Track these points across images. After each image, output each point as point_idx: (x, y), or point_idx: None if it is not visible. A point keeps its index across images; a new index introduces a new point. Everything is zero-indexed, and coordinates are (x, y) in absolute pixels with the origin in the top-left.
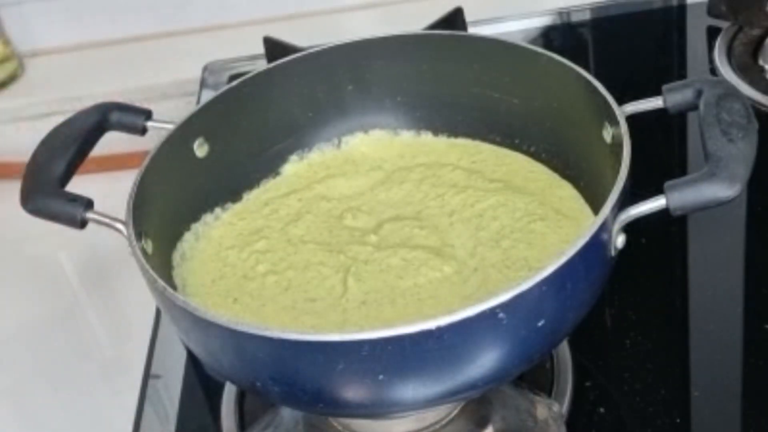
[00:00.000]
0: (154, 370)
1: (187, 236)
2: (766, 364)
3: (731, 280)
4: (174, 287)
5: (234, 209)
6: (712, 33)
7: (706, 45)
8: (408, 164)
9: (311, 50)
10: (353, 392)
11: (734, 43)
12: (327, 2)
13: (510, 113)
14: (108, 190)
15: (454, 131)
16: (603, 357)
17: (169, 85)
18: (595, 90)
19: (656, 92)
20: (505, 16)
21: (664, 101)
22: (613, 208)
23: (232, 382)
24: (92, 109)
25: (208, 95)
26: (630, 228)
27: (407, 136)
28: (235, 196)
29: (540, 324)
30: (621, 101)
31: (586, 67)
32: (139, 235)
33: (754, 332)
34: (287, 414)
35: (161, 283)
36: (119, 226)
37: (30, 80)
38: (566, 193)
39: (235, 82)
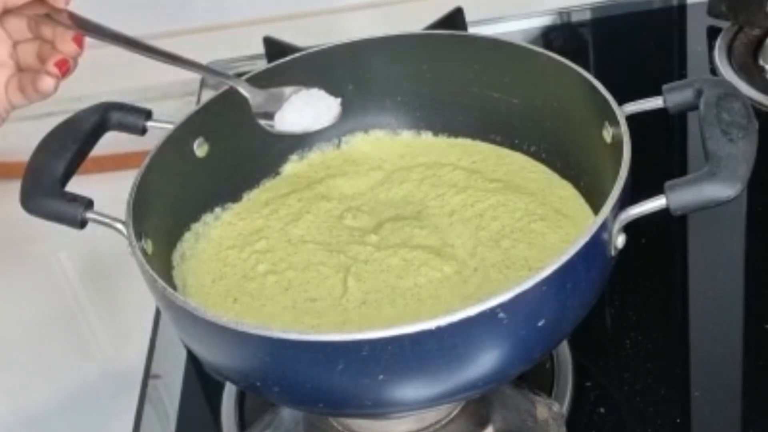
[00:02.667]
0: (154, 370)
1: (187, 236)
2: (766, 364)
3: (731, 280)
4: (174, 287)
5: (234, 209)
6: (712, 33)
7: (706, 45)
8: (408, 164)
9: (311, 50)
10: (353, 392)
11: (734, 43)
12: (327, 2)
13: (510, 113)
14: (108, 190)
15: (454, 131)
16: (603, 357)
17: (169, 85)
18: (595, 90)
19: (656, 92)
20: (505, 16)
21: (665, 101)
22: (613, 208)
23: (232, 382)
24: (92, 109)
25: (208, 95)
26: (630, 228)
27: (407, 136)
28: (235, 196)
29: (540, 324)
30: (621, 101)
31: (586, 67)
32: (139, 235)
33: (754, 332)
34: (287, 414)
35: (161, 283)
36: (119, 226)
37: None
38: (566, 193)
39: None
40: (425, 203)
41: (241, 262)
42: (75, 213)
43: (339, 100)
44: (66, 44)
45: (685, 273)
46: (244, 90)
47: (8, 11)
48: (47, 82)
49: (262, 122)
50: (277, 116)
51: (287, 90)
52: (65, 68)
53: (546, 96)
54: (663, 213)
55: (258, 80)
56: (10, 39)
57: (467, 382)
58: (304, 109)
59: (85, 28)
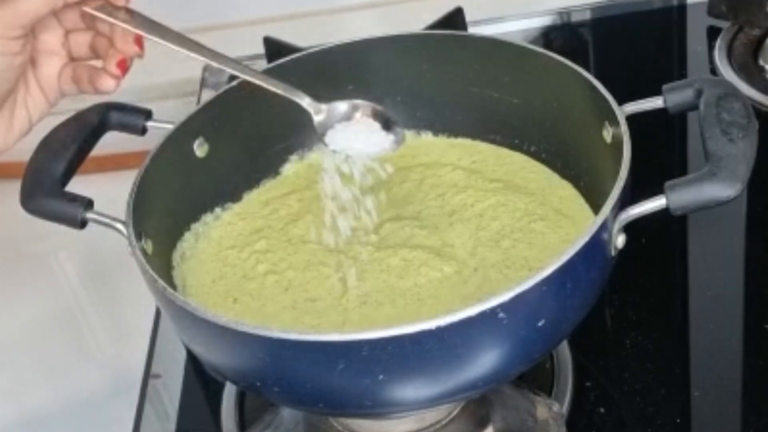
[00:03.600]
0: (154, 370)
1: (187, 236)
2: (766, 364)
3: (731, 280)
4: (174, 287)
5: (234, 209)
6: (712, 33)
7: (706, 45)
8: (408, 164)
9: (311, 50)
10: (353, 392)
11: (734, 43)
12: (327, 2)
13: (510, 113)
14: (108, 190)
15: (454, 131)
16: (603, 357)
17: (169, 85)
18: (595, 90)
19: (656, 92)
20: (505, 16)
21: (665, 101)
22: (613, 208)
23: (232, 382)
24: (92, 109)
25: (208, 95)
26: (630, 228)
27: (407, 136)
28: (235, 196)
29: (540, 324)
30: (621, 101)
31: (586, 67)
32: (139, 235)
33: (754, 332)
34: (287, 414)
35: (161, 283)
36: (119, 226)
37: None
38: (566, 193)
39: (235, 82)
40: (425, 203)
41: (241, 262)
42: (75, 213)
43: (400, 134)
44: (127, 45)
45: (685, 273)
46: (307, 105)
47: (68, 5)
48: (108, 82)
49: (322, 139)
50: (329, 134)
51: (346, 106)
52: (125, 68)
53: (546, 96)
54: (663, 213)
55: None
56: (61, 28)
57: (467, 382)
58: (360, 133)
59: (141, 27)
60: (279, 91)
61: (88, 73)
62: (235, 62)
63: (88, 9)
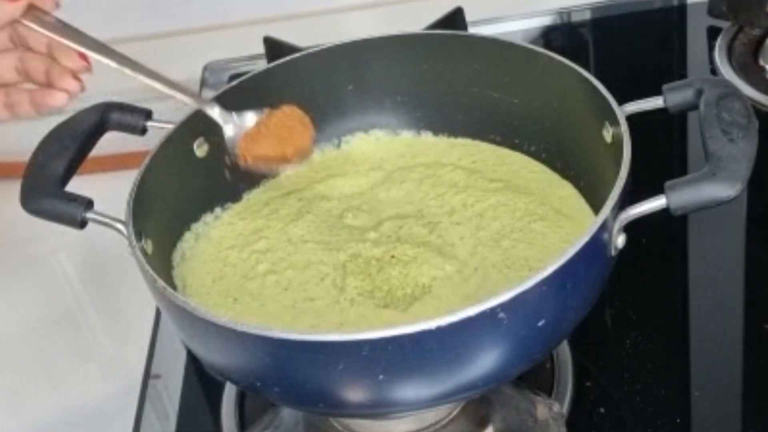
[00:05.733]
0: (154, 370)
1: (187, 236)
2: (766, 364)
3: (731, 280)
4: (174, 287)
5: (234, 209)
6: (713, 33)
7: (707, 45)
8: (408, 164)
9: (311, 50)
10: (353, 392)
11: (734, 43)
12: (327, 2)
13: (510, 113)
14: (108, 190)
15: (454, 131)
16: (603, 357)
17: None
18: (595, 90)
19: (656, 92)
20: (505, 16)
21: (665, 101)
22: (613, 208)
23: (232, 382)
24: (92, 109)
25: (208, 95)
26: (630, 228)
27: (407, 136)
28: (235, 196)
29: (540, 324)
30: (621, 101)
31: (586, 67)
32: (139, 235)
33: (754, 332)
34: (287, 414)
35: (161, 283)
36: (119, 226)
37: None
38: (566, 192)
39: (235, 82)
40: (425, 203)
41: (241, 262)
42: (75, 213)
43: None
44: (73, 61)
45: (685, 273)
46: (217, 116)
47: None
48: (60, 98)
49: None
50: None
51: (254, 116)
52: (79, 82)
53: (546, 96)
54: (663, 213)
55: (257, 80)
56: None
57: (467, 382)
58: None
59: (67, 36)
60: (188, 101)
61: (29, 95)
62: (156, 75)
63: (24, 21)
